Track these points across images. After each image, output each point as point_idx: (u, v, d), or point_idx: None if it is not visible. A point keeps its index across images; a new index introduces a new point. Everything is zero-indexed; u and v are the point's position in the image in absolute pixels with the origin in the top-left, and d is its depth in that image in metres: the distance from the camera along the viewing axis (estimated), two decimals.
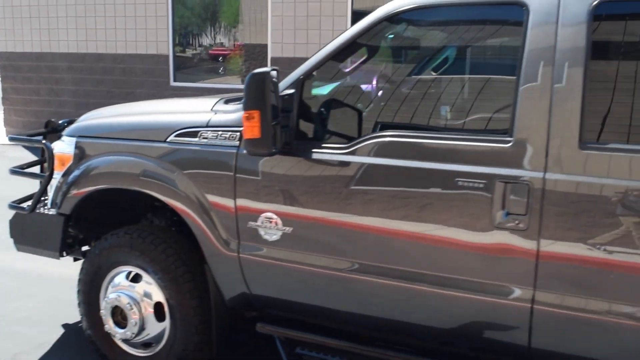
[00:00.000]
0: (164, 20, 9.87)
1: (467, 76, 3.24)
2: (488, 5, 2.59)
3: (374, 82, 2.99)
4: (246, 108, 2.46)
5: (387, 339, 2.86)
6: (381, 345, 2.85)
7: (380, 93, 3.01)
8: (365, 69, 2.96)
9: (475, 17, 2.73)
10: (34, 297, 4.40)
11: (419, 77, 3.05)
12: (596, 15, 2.31)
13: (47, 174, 3.51)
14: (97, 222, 3.61)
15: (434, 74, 2.99)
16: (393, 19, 2.67)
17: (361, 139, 2.67)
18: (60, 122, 3.96)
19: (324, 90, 2.98)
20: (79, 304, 3.52)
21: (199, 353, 3.23)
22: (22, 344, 3.79)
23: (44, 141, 3.56)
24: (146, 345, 3.37)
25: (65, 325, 4.05)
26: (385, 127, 2.85)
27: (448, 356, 2.74)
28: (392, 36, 2.87)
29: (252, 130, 2.45)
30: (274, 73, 2.48)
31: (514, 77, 2.40)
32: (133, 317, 3.26)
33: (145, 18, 9.94)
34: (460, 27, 2.88)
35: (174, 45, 9.91)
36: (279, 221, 2.84)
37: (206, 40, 10.27)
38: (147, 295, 3.27)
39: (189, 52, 10.31)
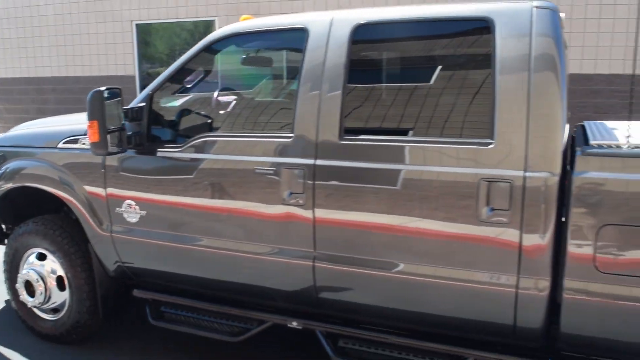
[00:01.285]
0: (130, 46, 10.30)
1: (264, 88, 3.64)
2: (277, 32, 2.99)
3: (215, 94, 3.40)
4: (89, 119, 2.85)
5: (233, 298, 3.21)
6: (226, 302, 3.22)
7: (213, 104, 3.41)
8: (205, 84, 3.38)
9: (272, 42, 3.13)
10: None
11: (237, 92, 3.46)
12: (354, 40, 2.68)
13: None
14: (22, 215, 3.92)
15: (248, 90, 3.40)
16: (209, 47, 3.08)
17: (190, 140, 3.05)
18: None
19: (176, 102, 3.38)
20: (5, 280, 3.85)
21: (90, 315, 3.63)
22: None
23: None
24: (55, 310, 3.75)
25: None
26: (211, 131, 3.24)
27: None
28: (216, 58, 3.29)
29: (93, 136, 2.87)
30: (108, 92, 2.86)
31: (292, 91, 2.80)
32: (39, 289, 3.66)
33: (114, 45, 10.39)
34: (261, 50, 3.29)
35: (140, 67, 10.31)
36: (137, 206, 3.24)
37: (170, 62, 10.65)
38: (52, 270, 3.67)
39: (154, 73, 10.70)
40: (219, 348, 3.57)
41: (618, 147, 2.41)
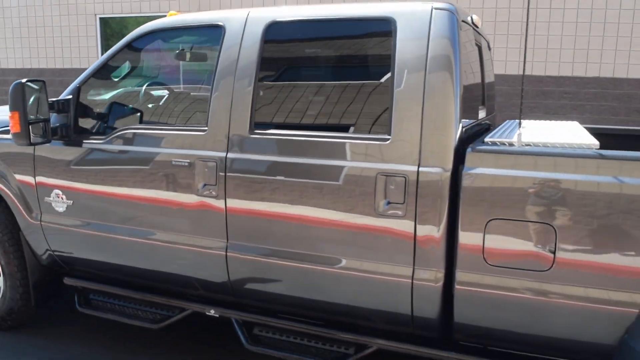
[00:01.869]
0: (94, 39, 10.21)
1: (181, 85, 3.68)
2: (197, 28, 3.02)
3: (143, 88, 3.42)
4: (10, 110, 2.86)
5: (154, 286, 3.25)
6: (150, 291, 3.26)
7: (139, 97, 3.43)
8: (134, 76, 3.41)
9: (193, 39, 3.16)
10: None
11: (165, 86, 3.49)
12: (267, 38, 2.74)
13: None
14: None
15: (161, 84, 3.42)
16: (132, 43, 3.11)
17: (113, 132, 3.09)
18: None
19: (106, 95, 3.40)
20: None
21: (24, 302, 3.65)
22: None
23: None
24: None
25: None
26: (134, 124, 3.26)
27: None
28: (141, 54, 3.31)
29: (15, 127, 2.88)
30: (31, 83, 2.86)
31: (206, 87, 2.85)
32: None
33: (78, 38, 10.27)
34: (184, 46, 3.32)
35: None
36: (64, 196, 3.26)
37: None
38: None
39: None
40: (145, 335, 3.60)
41: (510, 144, 2.50)
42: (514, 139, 2.49)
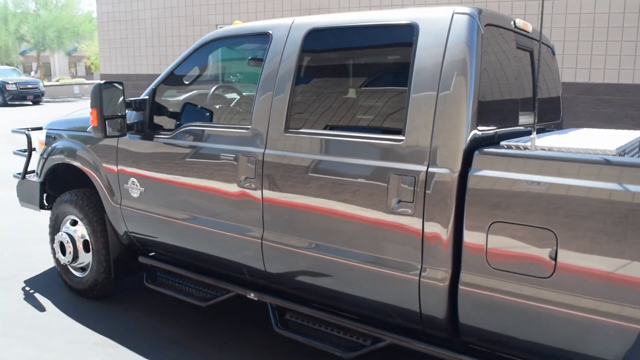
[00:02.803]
0: None
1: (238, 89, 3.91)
2: (251, 36, 3.29)
3: (211, 90, 3.75)
4: (90, 107, 3.32)
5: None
6: (205, 273, 3.57)
7: (204, 98, 3.76)
8: (201, 80, 3.75)
9: (250, 45, 3.41)
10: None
11: (217, 88, 3.77)
12: (305, 45, 2.93)
13: (27, 153, 4.55)
14: (66, 186, 4.50)
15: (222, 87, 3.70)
16: (199, 49, 3.44)
17: (176, 128, 3.44)
18: None
19: (176, 96, 3.78)
20: (50, 241, 4.47)
21: (106, 275, 4.14)
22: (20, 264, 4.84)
23: (26, 132, 4.60)
24: (82, 269, 4.31)
25: None
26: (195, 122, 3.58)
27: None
28: (209, 58, 3.64)
29: (94, 121, 3.31)
30: (108, 85, 3.29)
31: (255, 89, 3.10)
32: (68, 249, 4.23)
33: None
34: (234, 55, 3.58)
35: None
36: (138, 183, 3.68)
37: None
38: (81, 235, 4.21)
39: None
40: (197, 313, 3.95)
41: (524, 148, 2.44)
42: (529, 143, 2.43)
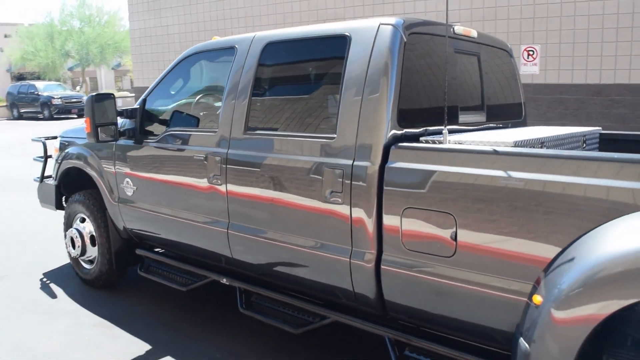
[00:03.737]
0: None
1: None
2: (222, 49, 3.73)
3: (196, 99, 4.21)
4: (84, 116, 3.83)
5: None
6: (188, 262, 4.03)
7: (185, 106, 4.22)
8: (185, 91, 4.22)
9: (222, 58, 3.83)
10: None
11: (195, 97, 4.23)
12: (261, 57, 3.36)
13: (44, 159, 5.15)
14: (77, 188, 5.05)
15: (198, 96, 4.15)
16: (180, 63, 3.92)
17: (162, 133, 3.92)
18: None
19: (167, 105, 4.26)
20: (64, 237, 5.03)
21: (110, 266, 4.65)
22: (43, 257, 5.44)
23: (42, 140, 5.20)
24: (91, 262, 4.83)
25: None
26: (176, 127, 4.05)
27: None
28: (191, 71, 4.11)
29: (87, 128, 3.82)
30: (100, 97, 3.80)
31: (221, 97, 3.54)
32: (77, 243, 4.77)
33: None
34: (210, 67, 4.04)
35: None
36: (131, 183, 4.18)
37: None
38: (89, 230, 4.74)
39: None
40: (187, 299, 4.40)
41: (438, 143, 2.77)
42: (443, 138, 2.76)
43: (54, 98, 24.96)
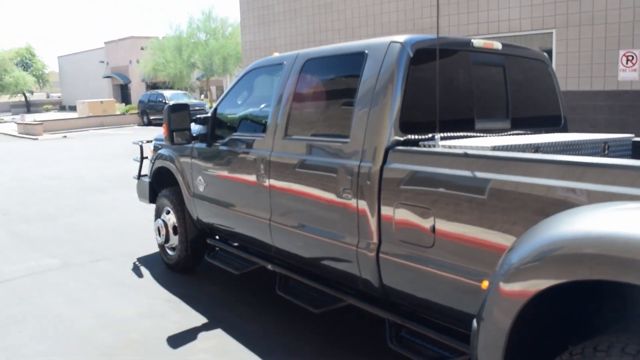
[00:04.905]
0: None
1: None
2: (276, 65, 4.39)
3: (261, 107, 4.90)
4: (163, 122, 4.69)
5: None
6: (247, 251, 4.74)
7: (246, 114, 4.92)
8: (250, 102, 4.94)
9: (278, 72, 4.48)
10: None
11: (253, 106, 4.89)
12: (301, 71, 4.00)
13: (140, 159, 6.17)
14: (167, 184, 5.97)
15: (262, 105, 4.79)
16: (245, 75, 4.66)
17: (226, 138, 4.68)
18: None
19: (236, 113, 5.02)
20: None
21: (186, 252, 5.51)
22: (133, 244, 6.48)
23: (140, 143, 6.22)
24: (173, 249, 5.73)
25: None
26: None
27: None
28: (255, 82, 4.82)
29: (165, 133, 4.67)
30: (175, 107, 4.63)
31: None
32: (162, 232, 5.69)
33: None
34: (269, 79, 4.68)
35: None
36: (202, 179, 4.99)
37: None
38: (172, 221, 5.66)
39: None
40: (249, 283, 5.11)
41: (432, 147, 3.19)
42: (438, 142, 3.17)
43: None
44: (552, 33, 9.83)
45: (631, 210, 2.06)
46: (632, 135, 3.94)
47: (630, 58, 8.59)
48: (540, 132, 4.15)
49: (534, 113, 4.22)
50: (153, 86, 43.85)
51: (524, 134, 3.99)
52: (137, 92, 43.69)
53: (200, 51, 34.63)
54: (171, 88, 37.91)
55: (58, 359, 3.93)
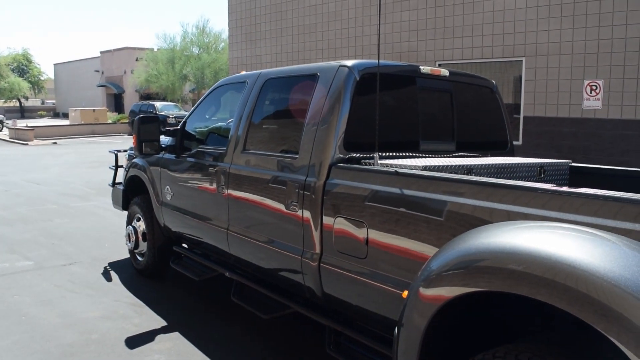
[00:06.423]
0: None
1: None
2: (239, 83, 4.60)
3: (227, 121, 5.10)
4: (132, 133, 4.87)
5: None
6: (207, 258, 4.90)
7: (212, 128, 5.12)
8: (215, 114, 5.14)
9: (240, 90, 4.69)
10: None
11: (218, 120, 5.10)
12: (260, 89, 4.19)
13: (115, 167, 6.33)
14: (139, 192, 6.14)
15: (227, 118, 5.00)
16: (214, 91, 4.85)
17: (192, 150, 4.86)
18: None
19: (202, 127, 5.21)
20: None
21: (153, 258, 5.66)
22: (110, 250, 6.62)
23: (115, 152, 6.39)
24: (142, 255, 5.87)
25: None
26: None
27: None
28: (221, 99, 5.02)
29: (134, 143, 4.85)
30: (147, 118, 4.82)
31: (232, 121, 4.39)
32: (132, 238, 5.83)
33: None
34: (234, 96, 4.88)
35: None
36: (170, 189, 5.16)
37: None
38: (142, 228, 5.80)
39: None
40: (212, 289, 5.26)
41: (369, 164, 3.38)
42: (377, 161, 3.36)
43: (168, 117, 27.71)
44: (522, 61, 10.14)
45: (531, 229, 2.22)
46: (570, 160, 4.17)
47: (594, 87, 8.90)
48: (485, 155, 4.37)
49: (480, 137, 4.44)
50: (146, 97, 43.97)
51: (469, 156, 4.20)
52: (131, 102, 43.80)
53: (192, 64, 34.93)
54: (164, 99, 38.07)
55: (18, 355, 4.05)
